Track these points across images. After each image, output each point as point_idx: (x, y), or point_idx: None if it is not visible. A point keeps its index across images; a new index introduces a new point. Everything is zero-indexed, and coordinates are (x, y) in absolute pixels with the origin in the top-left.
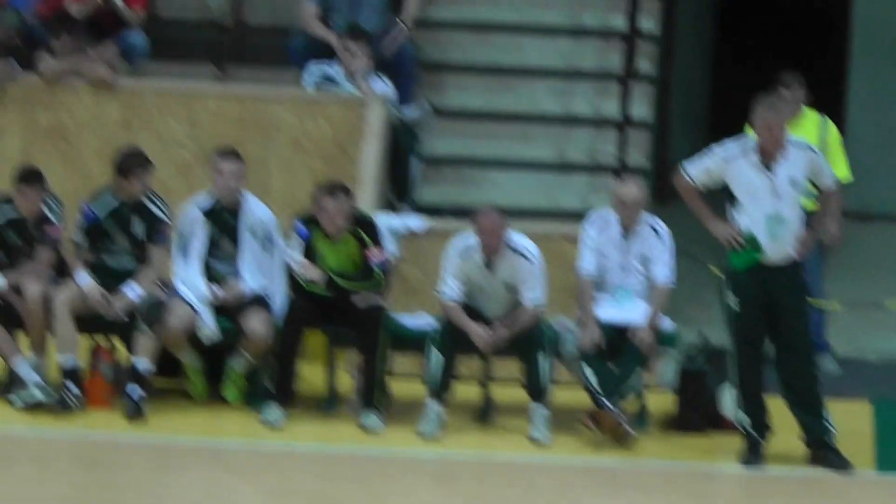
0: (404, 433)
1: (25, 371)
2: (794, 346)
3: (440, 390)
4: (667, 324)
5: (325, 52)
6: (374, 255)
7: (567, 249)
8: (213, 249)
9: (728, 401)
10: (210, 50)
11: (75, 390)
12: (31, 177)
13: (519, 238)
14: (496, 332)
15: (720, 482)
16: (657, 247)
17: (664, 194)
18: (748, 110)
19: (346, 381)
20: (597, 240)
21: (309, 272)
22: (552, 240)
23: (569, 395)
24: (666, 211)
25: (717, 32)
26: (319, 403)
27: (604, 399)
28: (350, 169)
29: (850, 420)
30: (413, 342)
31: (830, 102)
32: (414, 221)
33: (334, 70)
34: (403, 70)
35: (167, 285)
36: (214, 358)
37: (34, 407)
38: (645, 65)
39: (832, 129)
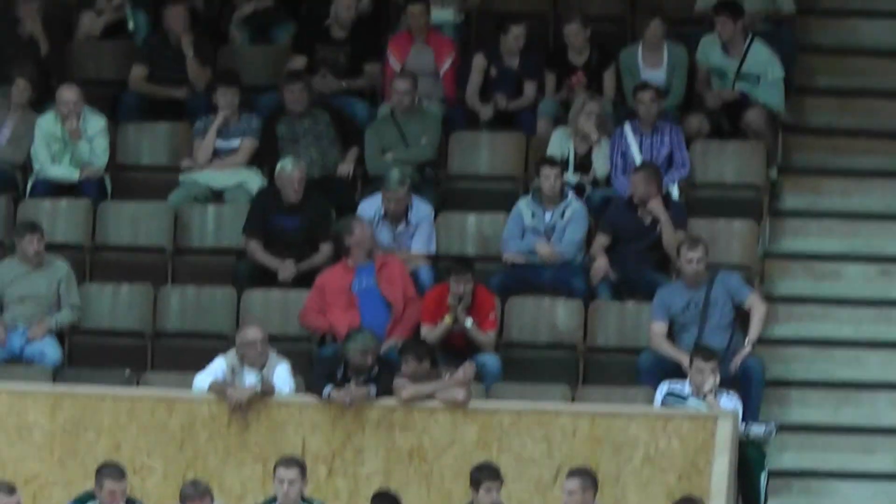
0: None
1: None
2: None
3: None
4: None
5: (673, 370)
6: None
7: None
8: None
9: None
10: (561, 369)
11: None
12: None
13: None
14: None
15: None
16: None
17: None
18: None
19: None
20: None
21: None
22: None
23: None
24: None
25: None
26: None
27: None
28: (702, 484)
29: None
30: None
31: None
32: None
33: (683, 387)
34: (749, 386)
35: None
36: None
37: None
38: None
39: None
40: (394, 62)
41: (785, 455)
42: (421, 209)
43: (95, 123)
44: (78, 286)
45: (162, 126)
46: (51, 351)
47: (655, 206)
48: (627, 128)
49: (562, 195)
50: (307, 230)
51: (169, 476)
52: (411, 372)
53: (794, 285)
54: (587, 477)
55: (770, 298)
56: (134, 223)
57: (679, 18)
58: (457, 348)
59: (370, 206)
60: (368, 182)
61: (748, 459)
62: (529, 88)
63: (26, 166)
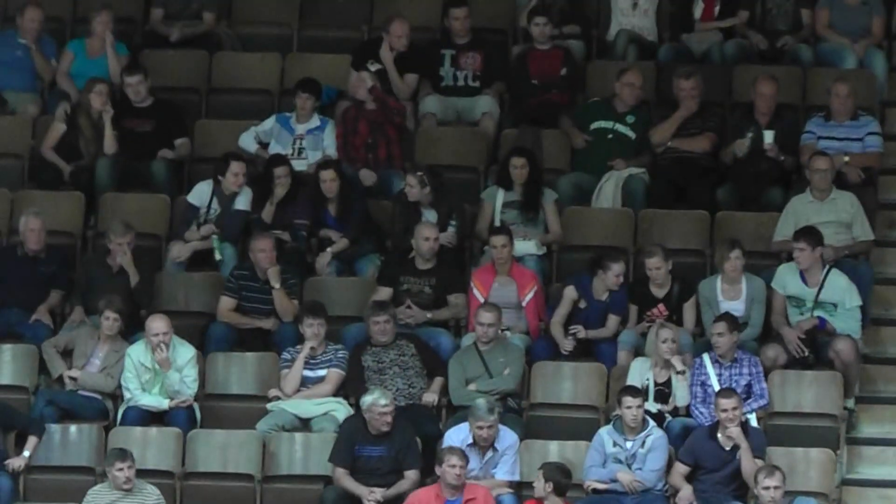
0: None
1: None
2: None
3: None
4: None
5: None
6: None
7: None
8: None
9: None
10: None
11: None
12: None
13: None
14: None
15: None
16: None
17: None
18: None
19: None
20: None
21: None
22: None
23: None
24: None
25: None
26: None
27: None
28: None
29: None
30: None
31: None
32: None
33: None
34: None
35: None
36: None
37: None
38: None
39: None
40: (478, 294)
41: None
42: (507, 437)
43: (185, 353)
44: None
45: (250, 356)
46: None
47: (735, 432)
48: (707, 358)
49: (643, 424)
50: (394, 459)
51: None
52: None
53: None
54: None
55: None
56: (223, 451)
57: (756, 252)
58: None
59: (456, 435)
60: (453, 411)
61: None
62: (613, 321)
63: (117, 395)
